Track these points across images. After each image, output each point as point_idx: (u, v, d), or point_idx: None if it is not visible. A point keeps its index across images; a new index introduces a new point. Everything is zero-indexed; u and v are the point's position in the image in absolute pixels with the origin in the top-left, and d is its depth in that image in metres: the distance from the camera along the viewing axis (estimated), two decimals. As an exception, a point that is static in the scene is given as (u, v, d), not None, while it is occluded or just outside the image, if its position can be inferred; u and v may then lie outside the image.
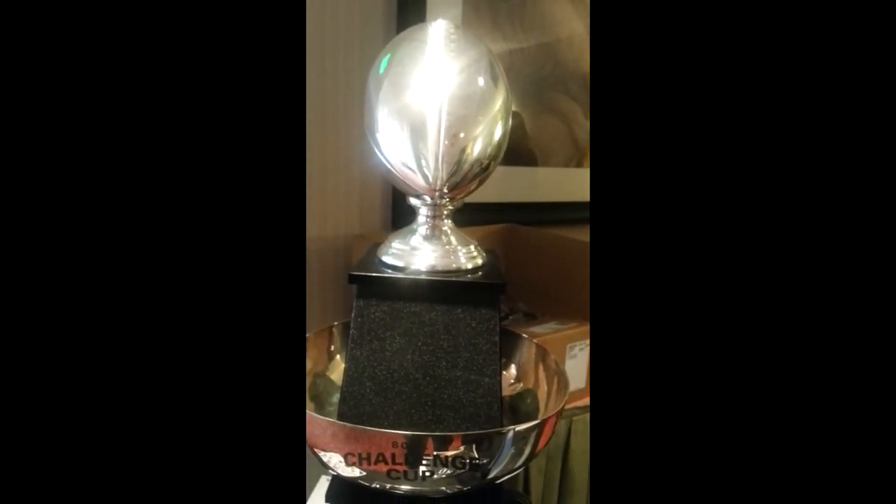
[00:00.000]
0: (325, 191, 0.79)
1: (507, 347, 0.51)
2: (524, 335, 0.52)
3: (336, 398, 0.44)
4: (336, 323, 0.51)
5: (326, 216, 0.80)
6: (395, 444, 0.33)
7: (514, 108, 0.95)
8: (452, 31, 0.39)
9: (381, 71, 0.39)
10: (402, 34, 0.41)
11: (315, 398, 0.47)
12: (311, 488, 0.51)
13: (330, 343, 0.50)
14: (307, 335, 0.49)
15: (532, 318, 0.84)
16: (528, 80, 0.96)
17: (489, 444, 0.35)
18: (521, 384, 0.50)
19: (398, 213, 0.86)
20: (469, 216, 0.85)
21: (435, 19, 0.40)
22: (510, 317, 0.84)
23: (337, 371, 0.49)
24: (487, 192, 0.91)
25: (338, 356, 0.50)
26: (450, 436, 0.34)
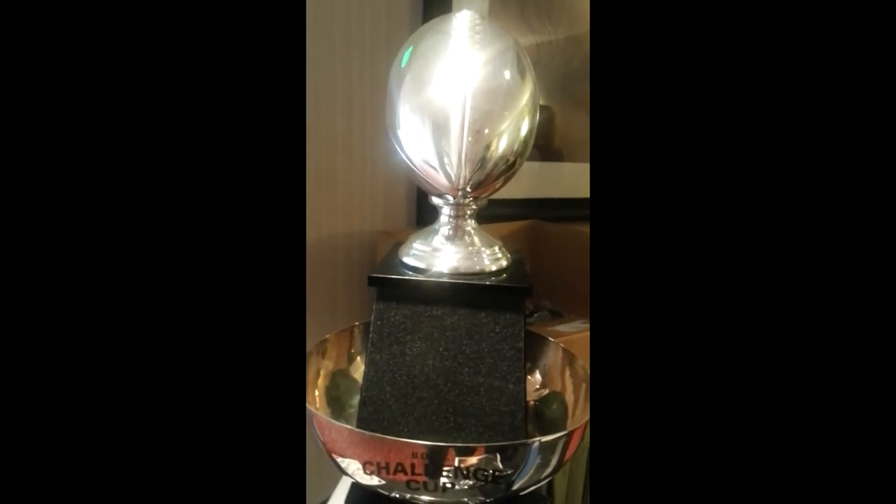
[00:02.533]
0: (350, 186, 0.78)
1: (532, 351, 0.49)
2: (550, 339, 0.50)
3: (357, 400, 0.43)
4: (357, 323, 0.50)
5: (352, 212, 0.80)
6: (414, 455, 0.32)
7: (544, 103, 0.93)
8: (478, 21, 0.37)
9: (403, 65, 0.38)
10: (425, 26, 0.39)
11: (335, 400, 0.46)
12: (333, 488, 0.51)
13: (351, 345, 0.49)
14: (328, 336, 0.48)
15: (558, 315, 0.82)
16: (556, 73, 0.94)
17: (513, 455, 0.33)
18: (547, 389, 0.49)
19: (423, 209, 0.85)
20: (494, 212, 0.84)
21: (461, 11, 0.38)
22: (535, 314, 0.83)
23: (358, 373, 0.48)
24: (514, 189, 0.89)
25: (358, 358, 0.49)
26: (472, 447, 0.33)
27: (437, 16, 0.40)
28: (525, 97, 0.37)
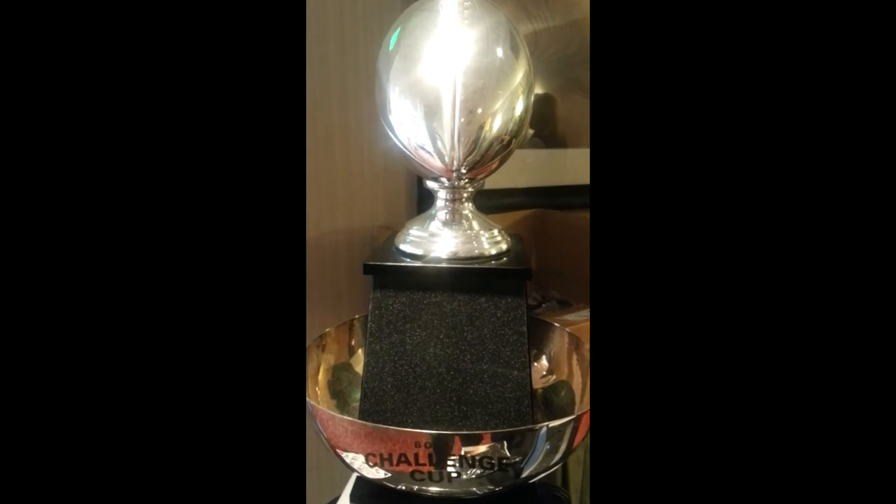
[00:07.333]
0: (349, 180, 0.77)
1: (537, 338, 0.48)
2: (556, 324, 0.49)
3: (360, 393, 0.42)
4: (357, 316, 0.49)
5: (353, 206, 0.79)
6: (417, 444, 0.31)
7: (544, 91, 0.92)
8: (466, -1, 0.36)
9: (392, 47, 0.37)
10: (413, 5, 0.38)
11: (339, 394, 0.46)
12: (343, 487, 0.50)
13: (350, 337, 0.49)
14: (328, 329, 0.47)
15: (566, 305, 0.81)
16: (554, 59, 0.92)
17: (520, 441, 0.32)
18: (554, 376, 0.48)
19: (424, 203, 0.84)
20: (499, 202, 0.82)
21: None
22: (543, 304, 0.81)
23: (360, 366, 0.47)
24: (518, 177, 0.88)
25: (359, 350, 0.48)
26: (477, 434, 0.32)
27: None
28: (519, 75, 0.36)
